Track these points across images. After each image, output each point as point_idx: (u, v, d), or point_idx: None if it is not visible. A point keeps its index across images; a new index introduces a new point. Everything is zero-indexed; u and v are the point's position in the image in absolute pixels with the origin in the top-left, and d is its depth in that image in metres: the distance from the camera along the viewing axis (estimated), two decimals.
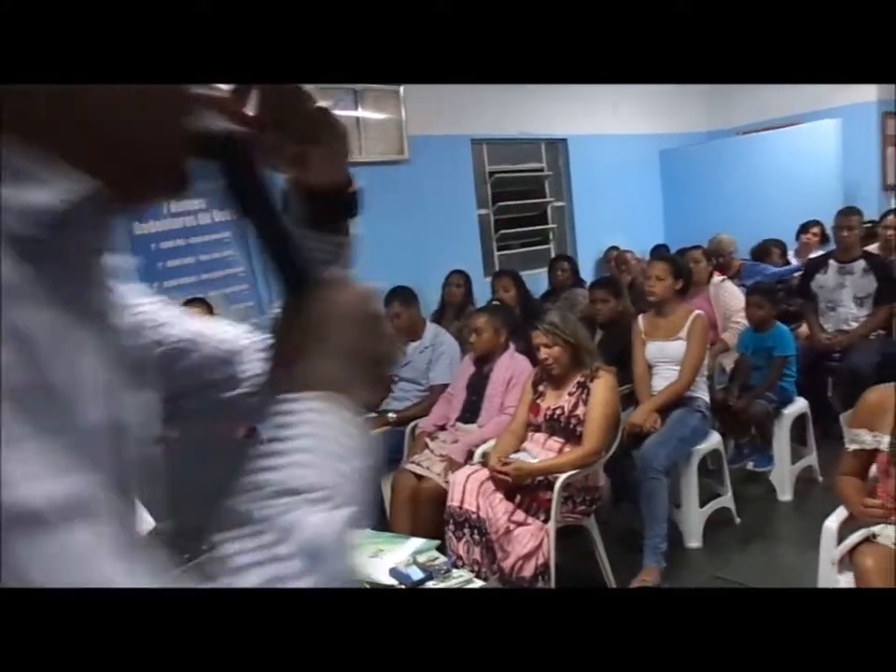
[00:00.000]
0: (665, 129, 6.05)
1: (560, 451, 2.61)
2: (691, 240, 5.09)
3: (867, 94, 5.59)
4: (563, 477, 2.45)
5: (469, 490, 2.52)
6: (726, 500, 3.05)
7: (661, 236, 5.85)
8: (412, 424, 3.27)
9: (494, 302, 3.60)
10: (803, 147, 5.34)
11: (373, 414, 3.34)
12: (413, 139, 4.21)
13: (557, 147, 5.36)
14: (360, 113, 3.92)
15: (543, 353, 2.67)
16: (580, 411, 2.61)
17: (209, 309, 3.22)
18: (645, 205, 5.93)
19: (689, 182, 5.76)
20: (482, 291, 4.42)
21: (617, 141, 5.63)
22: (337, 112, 0.64)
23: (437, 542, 1.47)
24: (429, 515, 2.74)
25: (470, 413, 3.08)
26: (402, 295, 3.51)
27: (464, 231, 4.70)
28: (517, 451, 2.70)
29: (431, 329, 3.54)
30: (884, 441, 1.86)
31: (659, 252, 4.88)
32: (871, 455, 1.93)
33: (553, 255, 5.23)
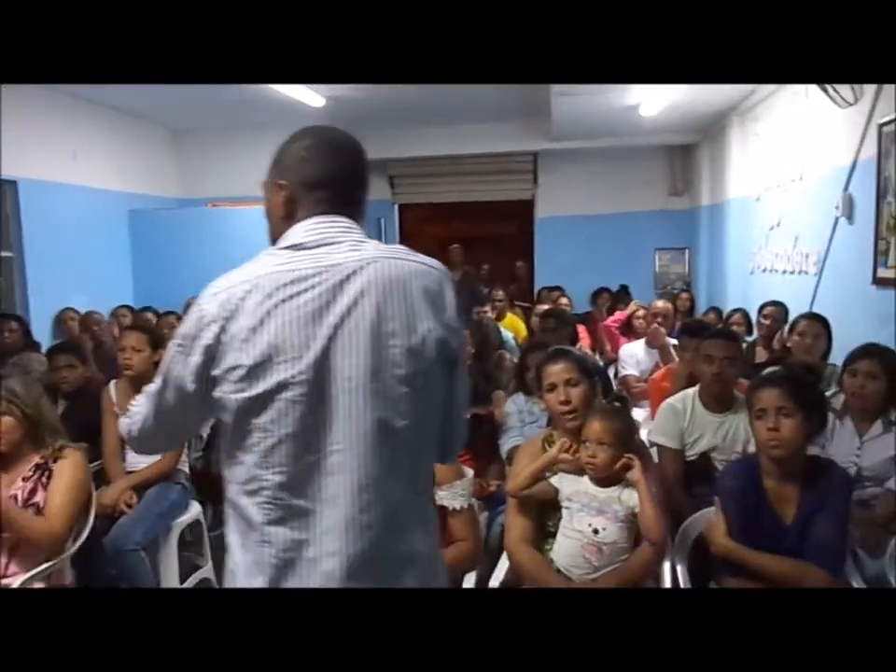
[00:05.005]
0: (134, 188, 5.89)
1: None
2: (161, 304, 5.03)
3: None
4: None
5: None
6: (207, 571, 2.98)
7: (130, 298, 5.61)
8: None
9: None
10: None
11: None
12: None
13: (4, 189, 4.64)
14: None
15: None
16: (39, 497, 2.25)
17: None
18: (112, 265, 5.61)
19: (160, 245, 5.70)
20: None
21: (81, 192, 5.21)
22: None
23: None
24: None
25: None
26: None
27: None
28: None
29: None
30: None
31: (135, 320, 4.69)
32: None
33: None
